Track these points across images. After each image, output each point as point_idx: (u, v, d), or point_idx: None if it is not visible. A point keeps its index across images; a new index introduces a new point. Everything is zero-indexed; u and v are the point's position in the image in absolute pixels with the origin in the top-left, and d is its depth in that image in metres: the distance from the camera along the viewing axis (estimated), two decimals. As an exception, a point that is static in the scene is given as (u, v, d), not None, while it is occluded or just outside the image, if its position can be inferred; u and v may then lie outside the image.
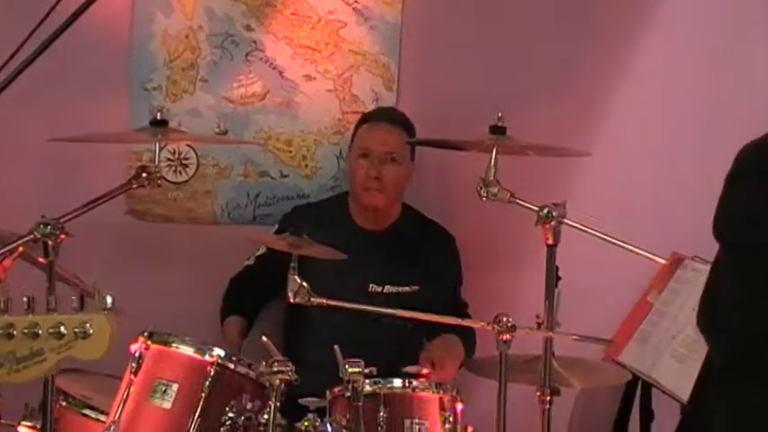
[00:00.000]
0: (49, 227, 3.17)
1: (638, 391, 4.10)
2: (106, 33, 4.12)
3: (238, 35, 4.28)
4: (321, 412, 3.41)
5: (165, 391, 3.37)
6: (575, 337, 3.49)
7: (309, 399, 3.40)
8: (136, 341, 3.43)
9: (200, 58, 4.27)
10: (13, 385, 2.75)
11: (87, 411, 3.51)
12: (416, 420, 3.46)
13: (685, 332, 3.70)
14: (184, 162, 4.29)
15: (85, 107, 4.11)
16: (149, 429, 3.36)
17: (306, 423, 3.36)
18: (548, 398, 3.47)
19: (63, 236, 3.18)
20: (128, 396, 3.36)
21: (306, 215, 4.18)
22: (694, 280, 3.75)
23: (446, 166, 4.38)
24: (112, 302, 2.09)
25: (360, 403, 3.34)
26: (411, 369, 3.72)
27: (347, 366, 3.33)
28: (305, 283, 3.43)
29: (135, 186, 3.50)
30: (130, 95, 4.22)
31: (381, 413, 3.41)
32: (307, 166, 4.37)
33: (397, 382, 3.49)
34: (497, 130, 3.64)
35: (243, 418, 3.36)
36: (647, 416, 4.09)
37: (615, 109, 4.41)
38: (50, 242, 3.16)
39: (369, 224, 4.20)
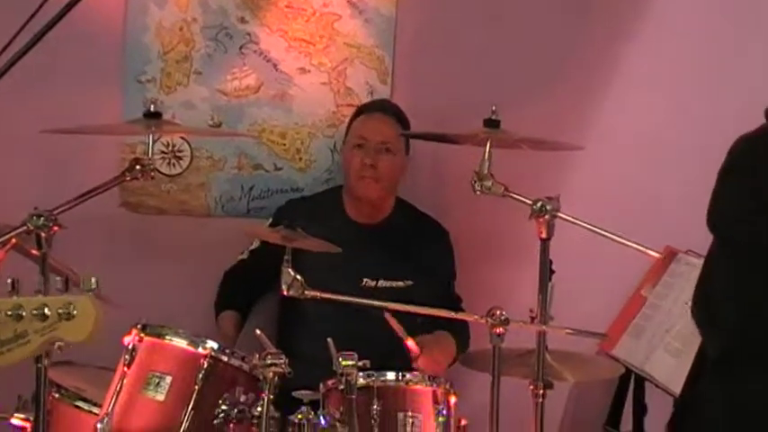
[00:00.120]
0: (42, 219, 3.17)
1: (631, 384, 4.10)
2: (100, 25, 4.11)
3: (232, 28, 4.28)
4: (314, 405, 3.41)
5: (158, 383, 3.37)
6: (568, 330, 3.49)
7: (303, 392, 3.40)
8: (129, 333, 3.43)
9: (195, 50, 4.27)
10: (6, 377, 2.76)
11: (80, 403, 3.50)
12: (410, 413, 3.46)
13: (679, 326, 3.70)
14: (178, 154, 4.29)
15: (79, 99, 4.10)
16: (142, 422, 3.36)
17: (299, 416, 3.36)
18: (541, 391, 3.47)
19: (56, 228, 3.18)
20: (121, 388, 3.36)
21: (300, 208, 4.18)
22: (688, 274, 3.76)
23: (440, 159, 4.38)
24: (96, 283, 2.09)
25: (353, 396, 3.34)
26: (410, 345, 3.72)
27: (341, 359, 3.33)
28: (299, 276, 3.43)
29: (128, 179, 3.50)
30: (124, 88, 4.22)
31: (375, 406, 3.41)
32: (301, 159, 4.37)
33: (391, 376, 3.50)
34: (491, 124, 3.64)
35: (236, 410, 3.36)
36: (641, 410, 4.09)
37: (609, 103, 4.41)
38: (43, 234, 3.17)
39: (362, 218, 4.20)
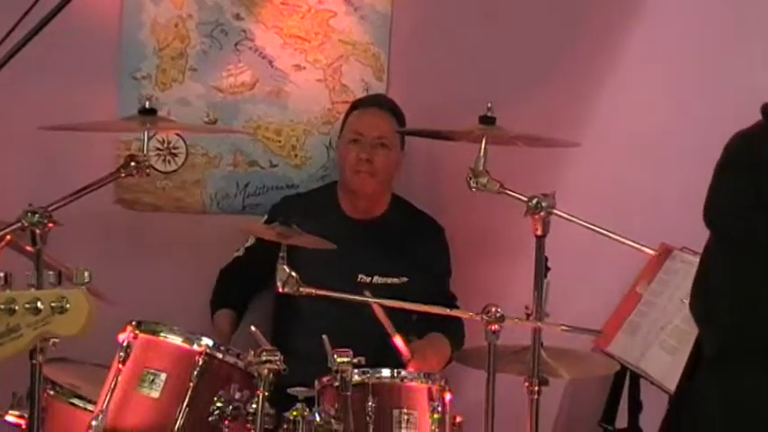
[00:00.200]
0: (36, 215, 3.16)
1: (626, 381, 4.10)
2: (95, 22, 4.11)
3: (228, 24, 4.27)
4: (310, 402, 3.41)
5: (153, 380, 3.37)
6: (563, 327, 3.49)
7: (298, 388, 3.40)
8: (124, 330, 3.43)
9: (190, 47, 4.26)
10: (0, 374, 2.76)
11: (75, 400, 3.50)
12: (405, 410, 3.46)
13: (674, 323, 3.69)
14: (173, 151, 4.29)
15: (74, 96, 4.09)
16: (137, 419, 3.35)
17: (294, 413, 3.36)
18: (536, 388, 3.47)
19: (51, 224, 3.18)
20: (116, 385, 3.36)
21: (295, 205, 4.17)
22: (683, 271, 3.75)
23: (435, 156, 4.38)
24: (89, 276, 2.08)
25: (348, 393, 3.34)
26: (398, 343, 3.73)
27: (336, 356, 3.33)
28: (294, 273, 3.43)
29: (123, 175, 3.49)
30: (119, 84, 4.21)
31: (370, 403, 3.41)
32: (296, 155, 4.37)
33: (386, 372, 3.49)
34: (487, 121, 3.63)
35: (231, 407, 3.36)
36: (636, 406, 4.09)
37: (604, 100, 4.40)
38: (38, 231, 3.16)
39: (358, 213, 4.19)
